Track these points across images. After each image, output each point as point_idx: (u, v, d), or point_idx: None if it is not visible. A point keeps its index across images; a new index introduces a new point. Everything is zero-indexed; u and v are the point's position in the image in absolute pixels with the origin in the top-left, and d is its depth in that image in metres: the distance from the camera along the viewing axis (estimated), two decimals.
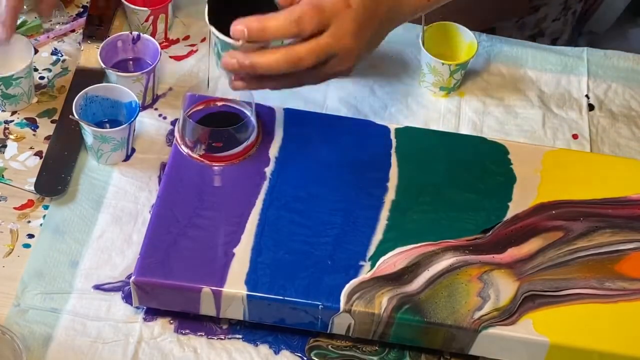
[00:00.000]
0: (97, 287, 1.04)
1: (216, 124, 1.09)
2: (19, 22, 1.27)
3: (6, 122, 1.17)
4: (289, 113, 1.14)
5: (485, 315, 0.97)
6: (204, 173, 1.07)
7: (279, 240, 1.02)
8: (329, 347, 1.02)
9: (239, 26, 0.91)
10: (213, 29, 0.95)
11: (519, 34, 1.40)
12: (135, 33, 1.19)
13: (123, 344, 1.00)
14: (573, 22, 1.49)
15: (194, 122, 1.08)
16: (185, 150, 1.08)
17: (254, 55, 0.92)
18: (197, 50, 1.27)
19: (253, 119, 1.10)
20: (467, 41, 1.24)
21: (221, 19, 0.94)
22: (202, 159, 1.08)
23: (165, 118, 1.19)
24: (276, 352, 1.01)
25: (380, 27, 0.98)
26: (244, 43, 0.92)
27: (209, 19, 0.95)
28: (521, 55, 1.31)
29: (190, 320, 1.02)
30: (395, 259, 1.01)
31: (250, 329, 1.02)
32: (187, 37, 1.29)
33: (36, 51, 1.24)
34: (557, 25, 1.42)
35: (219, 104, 1.13)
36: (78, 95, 1.11)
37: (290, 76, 0.94)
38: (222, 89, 1.15)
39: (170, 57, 1.26)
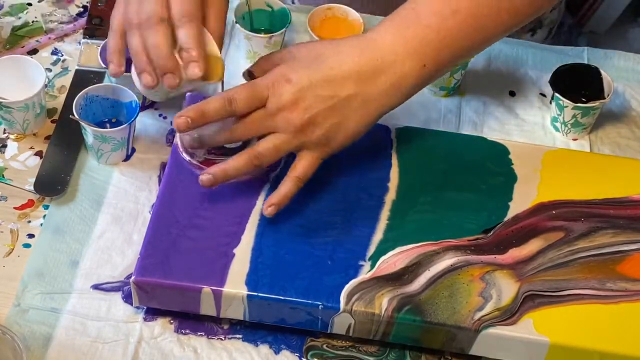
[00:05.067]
0: (97, 287, 1.04)
1: None
2: (20, 23, 1.27)
3: None
4: None
5: (486, 315, 0.97)
6: None
7: (279, 240, 1.02)
8: (324, 346, 1.01)
9: (180, 119, 0.98)
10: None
11: (519, 29, 1.39)
12: None
13: (123, 344, 1.00)
14: (563, 9, 1.49)
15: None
16: (186, 156, 1.07)
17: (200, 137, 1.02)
18: None
19: None
20: None
21: None
22: (202, 165, 1.07)
23: (165, 118, 1.19)
24: (276, 352, 1.01)
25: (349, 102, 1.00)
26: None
27: None
28: (521, 55, 1.31)
29: (190, 320, 1.02)
30: (395, 259, 1.01)
31: (251, 329, 1.02)
32: None
33: (37, 51, 1.24)
34: (554, 14, 1.42)
35: None
36: (78, 95, 1.11)
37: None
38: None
39: None
